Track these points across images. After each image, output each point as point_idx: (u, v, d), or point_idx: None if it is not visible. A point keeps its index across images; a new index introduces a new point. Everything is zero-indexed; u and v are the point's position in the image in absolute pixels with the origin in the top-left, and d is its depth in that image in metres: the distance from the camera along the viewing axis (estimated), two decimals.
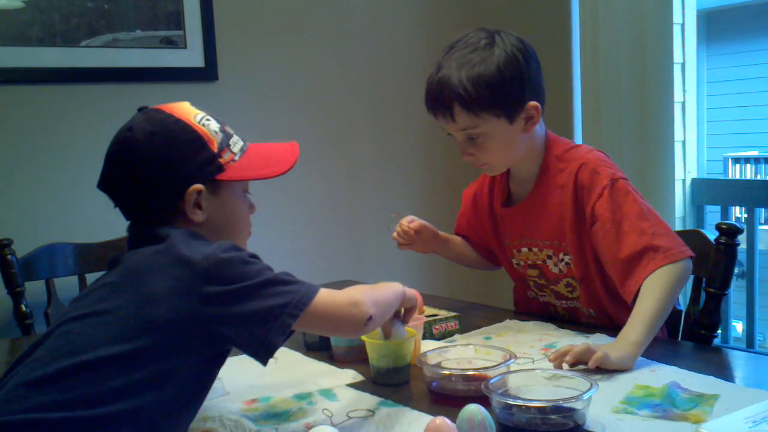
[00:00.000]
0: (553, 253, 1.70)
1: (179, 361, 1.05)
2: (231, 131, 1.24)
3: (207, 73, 2.64)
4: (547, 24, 3.16)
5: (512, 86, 1.55)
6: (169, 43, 2.57)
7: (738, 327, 4.22)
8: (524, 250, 1.76)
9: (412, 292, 1.38)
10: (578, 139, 3.03)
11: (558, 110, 3.14)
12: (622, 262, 1.53)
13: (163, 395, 1.04)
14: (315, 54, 2.94)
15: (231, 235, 1.23)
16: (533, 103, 1.59)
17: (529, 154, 1.67)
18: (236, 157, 1.22)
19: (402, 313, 1.38)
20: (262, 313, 1.07)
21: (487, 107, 1.55)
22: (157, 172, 1.15)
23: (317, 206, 2.96)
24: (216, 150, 1.19)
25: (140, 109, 1.21)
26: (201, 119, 1.20)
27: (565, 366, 1.37)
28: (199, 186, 1.17)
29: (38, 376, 1.02)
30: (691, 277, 1.79)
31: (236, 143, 1.23)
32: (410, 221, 1.82)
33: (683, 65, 2.95)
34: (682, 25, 2.93)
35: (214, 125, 1.21)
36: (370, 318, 1.19)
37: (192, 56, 2.61)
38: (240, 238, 1.26)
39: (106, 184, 1.19)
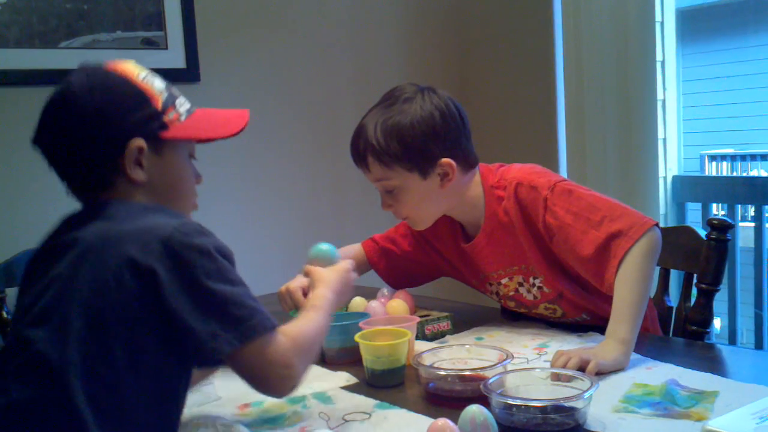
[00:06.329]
0: (523, 280, 1.68)
1: (140, 351, 1.00)
2: (178, 93, 1.19)
3: (189, 74, 2.61)
4: (530, 23, 3.16)
5: (424, 142, 1.55)
6: (150, 44, 2.53)
7: (716, 323, 4.24)
8: (495, 281, 1.73)
9: (348, 277, 1.35)
10: (562, 138, 3.03)
11: (542, 110, 3.14)
12: (591, 260, 1.52)
13: (139, 390, 0.99)
14: (297, 53, 2.91)
15: (175, 201, 1.17)
16: (447, 160, 1.57)
17: (464, 203, 1.66)
18: (182, 118, 1.16)
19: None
20: (200, 330, 1.00)
21: (398, 159, 1.56)
22: (95, 125, 1.09)
23: (301, 204, 2.93)
24: (160, 108, 1.14)
25: (81, 66, 1.16)
26: (145, 76, 1.15)
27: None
28: (140, 141, 1.10)
29: (16, 399, 0.97)
30: (682, 273, 1.79)
31: (182, 104, 1.18)
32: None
33: (663, 63, 2.95)
34: (662, 23, 2.94)
35: (159, 84, 1.16)
36: (293, 388, 1.09)
37: (173, 57, 2.58)
38: (185, 205, 1.20)
39: (41, 140, 1.14)
